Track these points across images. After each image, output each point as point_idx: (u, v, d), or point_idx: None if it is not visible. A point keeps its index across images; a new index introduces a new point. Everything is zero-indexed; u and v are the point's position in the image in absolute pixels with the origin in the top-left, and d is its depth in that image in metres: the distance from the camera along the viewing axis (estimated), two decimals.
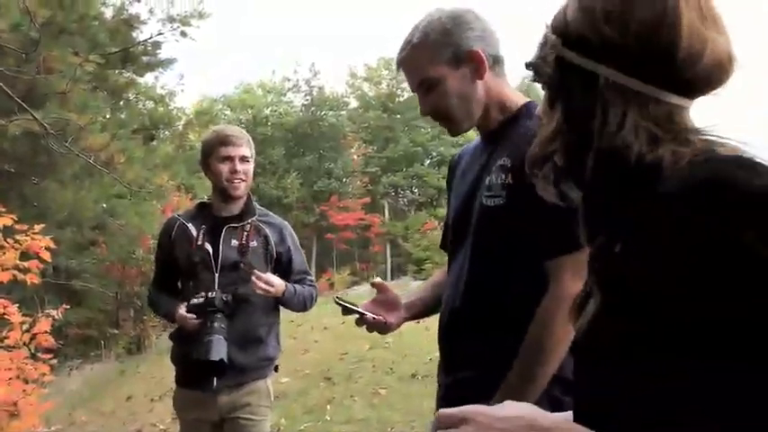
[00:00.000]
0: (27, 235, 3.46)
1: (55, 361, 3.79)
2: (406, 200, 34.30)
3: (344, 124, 33.20)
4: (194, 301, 1.94)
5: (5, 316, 3.43)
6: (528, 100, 1.28)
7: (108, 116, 6.49)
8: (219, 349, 1.82)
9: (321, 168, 30.60)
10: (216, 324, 1.87)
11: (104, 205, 6.13)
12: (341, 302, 1.29)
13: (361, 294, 9.91)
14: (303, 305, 2.11)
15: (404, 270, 24.20)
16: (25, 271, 3.42)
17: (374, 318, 1.31)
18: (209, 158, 2.06)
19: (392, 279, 18.73)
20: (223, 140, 2.05)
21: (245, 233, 2.06)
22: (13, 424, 3.09)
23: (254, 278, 1.92)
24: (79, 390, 5.52)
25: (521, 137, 1.16)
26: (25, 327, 3.53)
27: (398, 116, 33.38)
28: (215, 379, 1.90)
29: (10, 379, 3.18)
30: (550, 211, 1.09)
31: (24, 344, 3.49)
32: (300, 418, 4.33)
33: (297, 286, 2.10)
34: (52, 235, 3.73)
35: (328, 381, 5.55)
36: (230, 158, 2.03)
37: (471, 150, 1.36)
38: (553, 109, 0.66)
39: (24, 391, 3.16)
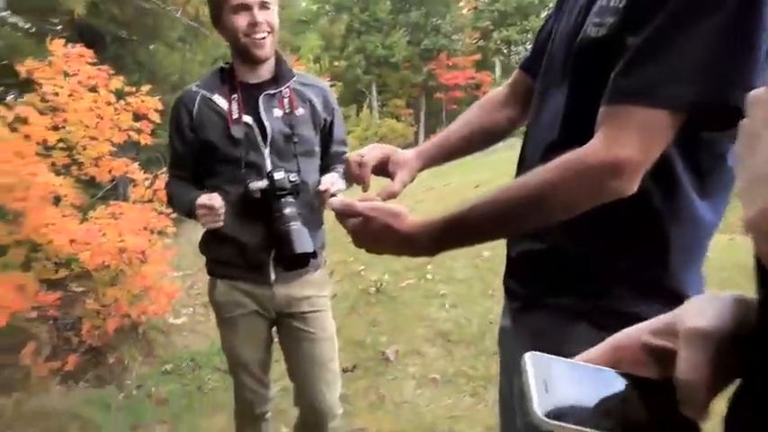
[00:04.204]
0: (136, 97, 3.57)
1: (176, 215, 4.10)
2: (519, 56, 31.96)
3: None
4: (255, 185, 1.64)
5: (128, 174, 3.68)
6: None
7: None
8: (304, 240, 1.60)
9: (429, 24, 29.07)
10: (288, 211, 1.61)
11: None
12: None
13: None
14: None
15: None
16: (138, 131, 3.58)
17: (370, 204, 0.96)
18: (221, 11, 1.63)
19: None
20: None
21: (286, 99, 1.72)
22: (143, 268, 3.44)
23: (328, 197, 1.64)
24: None
25: None
26: (147, 183, 3.80)
27: None
28: (272, 270, 1.72)
29: (138, 230, 3.48)
30: (646, 45, 0.76)
31: (149, 200, 3.77)
32: (403, 274, 4.43)
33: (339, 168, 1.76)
34: (167, 98, 3.83)
35: None
36: (246, 7, 1.61)
37: None
38: None
39: (150, 240, 3.47)
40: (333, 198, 0.92)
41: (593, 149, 0.79)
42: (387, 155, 1.15)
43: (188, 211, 1.69)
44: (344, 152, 1.90)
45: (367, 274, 4.51)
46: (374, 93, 28.67)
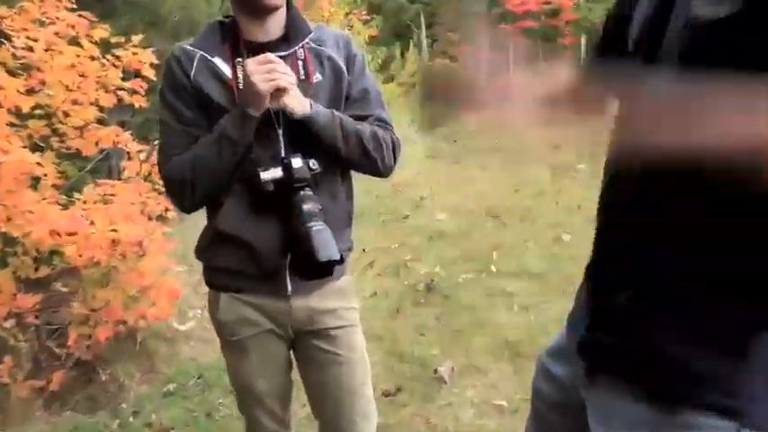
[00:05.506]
0: (125, 49, 3.43)
1: None
2: None
3: None
4: (268, 175, 1.51)
5: (119, 144, 3.57)
6: None
7: None
8: (328, 244, 1.48)
9: None
10: (307, 207, 1.51)
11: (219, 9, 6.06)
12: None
13: None
14: (361, 146, 1.58)
15: None
16: (131, 92, 3.46)
17: None
18: None
19: None
20: None
21: (301, 62, 1.58)
22: (140, 264, 3.36)
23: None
24: None
25: None
26: (143, 156, 3.69)
27: None
28: (288, 280, 1.61)
29: (134, 216, 3.38)
30: None
31: (145, 177, 3.66)
32: (459, 266, 4.31)
33: (343, 116, 1.58)
34: (167, 48, 3.70)
35: (496, 220, 5.41)
36: None
37: None
38: None
39: (147, 229, 3.37)
40: None
41: None
42: None
43: (221, 137, 1.48)
44: (384, 127, 1.67)
45: (415, 265, 4.40)
46: (422, 26, 28.03)
